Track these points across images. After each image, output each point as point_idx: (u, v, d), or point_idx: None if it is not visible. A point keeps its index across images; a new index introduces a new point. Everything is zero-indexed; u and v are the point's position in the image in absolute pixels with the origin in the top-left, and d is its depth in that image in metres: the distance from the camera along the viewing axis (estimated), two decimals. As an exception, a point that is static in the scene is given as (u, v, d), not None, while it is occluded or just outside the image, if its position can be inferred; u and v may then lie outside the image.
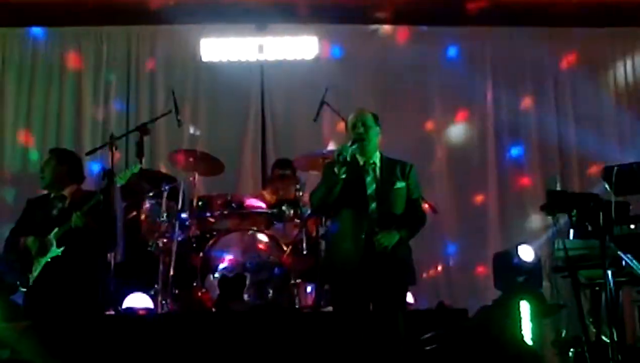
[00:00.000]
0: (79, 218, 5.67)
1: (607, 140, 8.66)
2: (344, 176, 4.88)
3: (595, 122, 8.78)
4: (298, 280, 6.59)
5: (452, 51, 8.90)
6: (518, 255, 6.79)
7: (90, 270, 5.85)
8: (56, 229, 5.79)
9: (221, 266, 6.46)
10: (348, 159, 4.90)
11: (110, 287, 6.40)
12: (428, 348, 5.49)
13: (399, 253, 4.96)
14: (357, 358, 4.80)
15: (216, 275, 6.46)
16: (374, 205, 4.97)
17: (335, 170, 4.87)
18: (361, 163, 5.09)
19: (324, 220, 6.67)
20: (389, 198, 5.02)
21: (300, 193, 6.97)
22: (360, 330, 4.85)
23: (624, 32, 8.97)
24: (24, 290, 5.92)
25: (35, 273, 5.82)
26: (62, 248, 5.78)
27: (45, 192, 6.15)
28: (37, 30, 8.68)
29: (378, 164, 5.11)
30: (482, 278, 8.18)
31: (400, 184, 5.08)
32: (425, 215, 5.36)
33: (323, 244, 6.56)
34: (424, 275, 8.06)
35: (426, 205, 6.27)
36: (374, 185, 5.02)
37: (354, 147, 5.00)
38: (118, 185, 6.01)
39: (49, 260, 5.79)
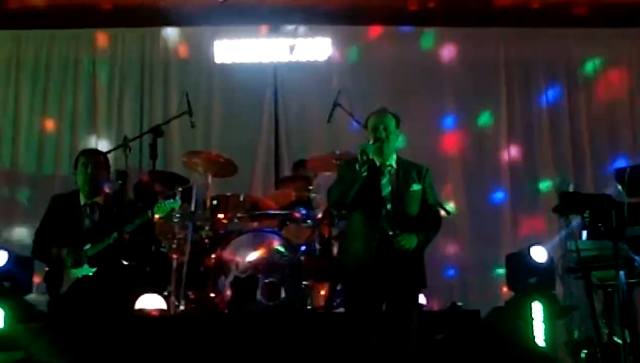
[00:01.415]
0: (116, 238, 5.71)
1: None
2: (365, 174, 4.88)
3: (609, 122, 8.78)
4: (311, 281, 6.60)
5: (466, 52, 8.88)
6: (531, 256, 6.78)
7: (119, 285, 5.89)
8: (89, 245, 5.83)
9: (234, 267, 6.47)
10: (370, 157, 4.92)
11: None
12: (440, 349, 5.48)
13: (412, 256, 4.95)
14: (369, 359, 4.80)
15: (229, 276, 6.47)
16: (388, 206, 4.97)
17: (357, 168, 4.86)
18: (378, 164, 5.08)
19: (336, 221, 6.70)
20: (404, 200, 5.02)
21: (314, 195, 6.98)
22: (372, 331, 4.86)
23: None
24: (49, 299, 5.97)
25: (65, 287, 5.85)
26: (94, 269, 5.82)
27: (74, 189, 6.19)
28: (52, 33, 8.74)
29: (394, 166, 5.10)
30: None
31: (416, 187, 5.07)
32: (440, 221, 5.31)
33: (336, 245, 6.58)
34: (437, 276, 8.03)
35: (442, 212, 6.26)
36: (389, 187, 5.02)
37: (376, 145, 5.01)
38: (157, 216, 6.15)
39: (80, 277, 5.84)
